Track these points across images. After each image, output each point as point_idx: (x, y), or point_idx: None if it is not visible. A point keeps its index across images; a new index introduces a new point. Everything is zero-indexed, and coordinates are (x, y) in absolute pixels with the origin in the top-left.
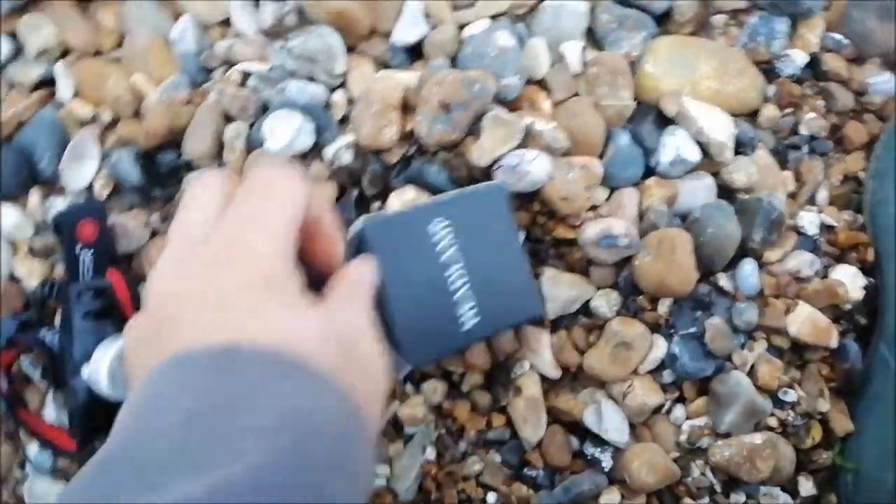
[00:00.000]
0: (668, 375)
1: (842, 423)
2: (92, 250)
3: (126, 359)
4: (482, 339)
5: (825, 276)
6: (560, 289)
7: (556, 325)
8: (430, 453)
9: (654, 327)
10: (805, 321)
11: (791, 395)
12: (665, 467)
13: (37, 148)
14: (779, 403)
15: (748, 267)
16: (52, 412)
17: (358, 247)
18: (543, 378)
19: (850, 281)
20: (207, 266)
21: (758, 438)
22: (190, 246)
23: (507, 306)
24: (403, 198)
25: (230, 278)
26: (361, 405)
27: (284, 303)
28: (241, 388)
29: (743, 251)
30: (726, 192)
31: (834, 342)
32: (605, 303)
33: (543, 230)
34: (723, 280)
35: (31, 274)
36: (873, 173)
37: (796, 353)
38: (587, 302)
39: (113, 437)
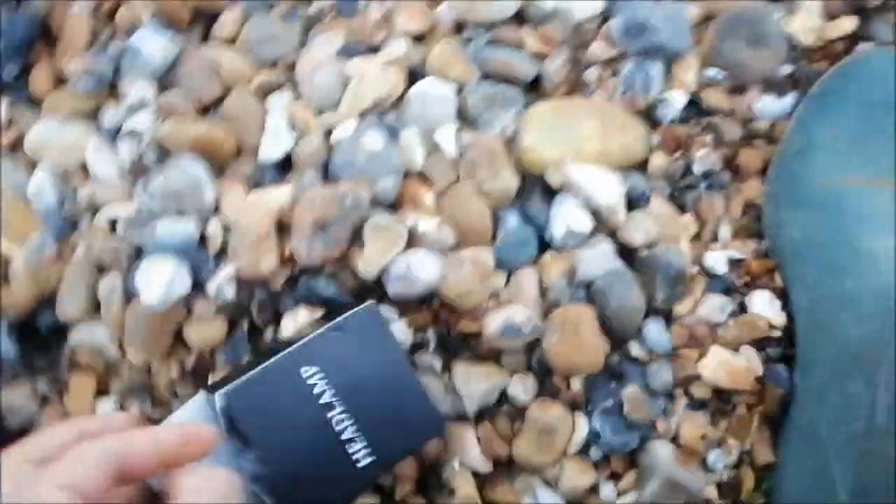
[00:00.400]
0: (595, 452)
1: (763, 454)
2: None
3: None
4: (383, 474)
5: (743, 312)
6: (474, 383)
7: (479, 419)
8: None
9: (574, 406)
10: (717, 367)
11: (718, 460)
12: None
13: None
14: (709, 466)
15: (655, 327)
16: None
17: (226, 422)
18: (476, 474)
19: (768, 307)
20: None
21: None
22: None
23: (402, 434)
24: (297, 319)
25: None
26: None
27: None
28: None
29: (652, 310)
30: (627, 251)
31: (747, 383)
32: (522, 389)
33: (447, 326)
34: (634, 348)
35: None
36: (768, 197)
37: (722, 400)
38: (505, 390)
39: None
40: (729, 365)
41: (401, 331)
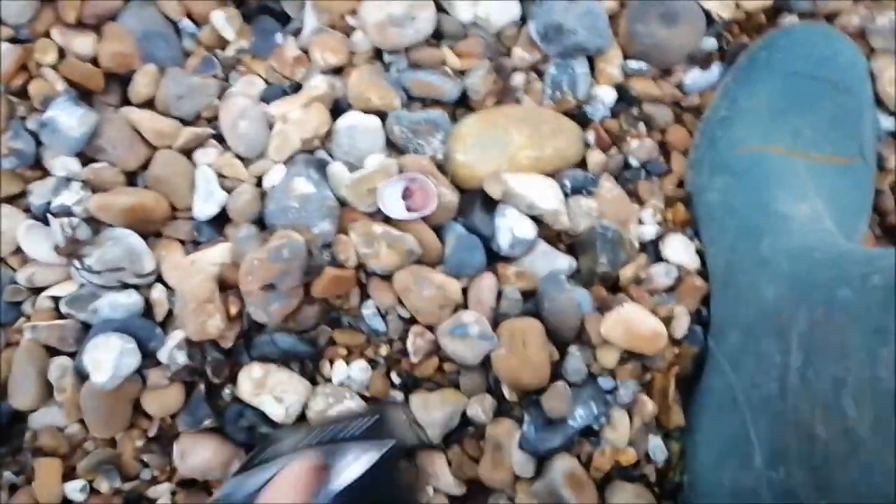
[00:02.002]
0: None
1: (674, 417)
2: None
3: None
4: None
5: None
6: (433, 410)
7: (449, 443)
8: None
9: (520, 419)
10: (624, 331)
11: (658, 451)
12: None
13: None
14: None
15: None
16: None
17: None
18: (452, 498)
19: (682, 252)
20: None
21: None
22: None
23: None
24: (252, 375)
25: None
26: None
27: None
28: None
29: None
30: (572, 246)
31: (655, 347)
32: (481, 409)
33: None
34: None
35: None
36: (690, 163)
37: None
38: (465, 414)
39: None
40: (634, 327)
41: (361, 369)
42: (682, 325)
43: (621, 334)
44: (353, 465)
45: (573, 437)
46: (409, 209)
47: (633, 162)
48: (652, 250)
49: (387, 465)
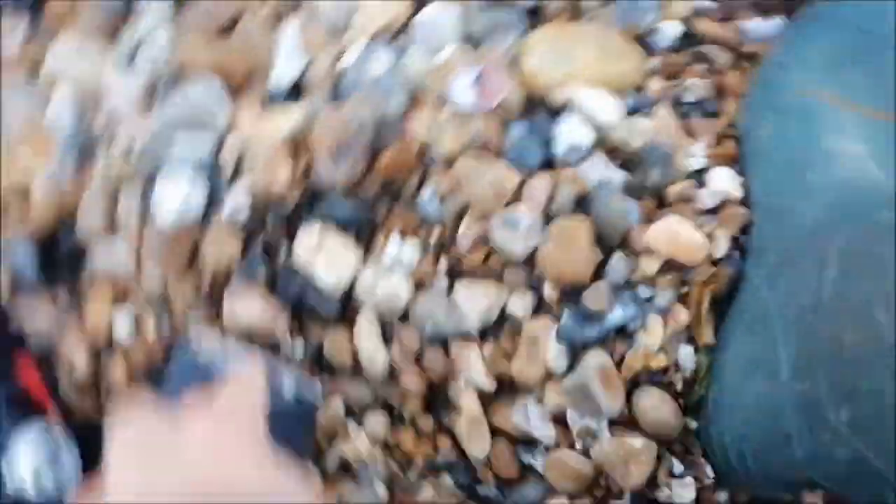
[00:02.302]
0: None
1: (704, 334)
2: None
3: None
4: None
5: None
6: (476, 299)
7: (484, 338)
8: (381, 490)
9: (558, 318)
10: (668, 239)
11: (688, 358)
12: (577, 472)
13: None
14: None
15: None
16: None
17: None
18: (482, 393)
19: (727, 181)
20: None
21: (638, 442)
22: None
23: None
24: (311, 237)
25: None
26: None
27: None
28: None
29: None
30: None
31: (696, 258)
32: (521, 305)
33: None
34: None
35: None
36: (744, 105)
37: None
38: (505, 309)
39: None
40: (680, 236)
41: (413, 250)
42: (721, 247)
43: (665, 243)
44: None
45: (609, 333)
46: (478, 99)
47: (689, 97)
48: (698, 180)
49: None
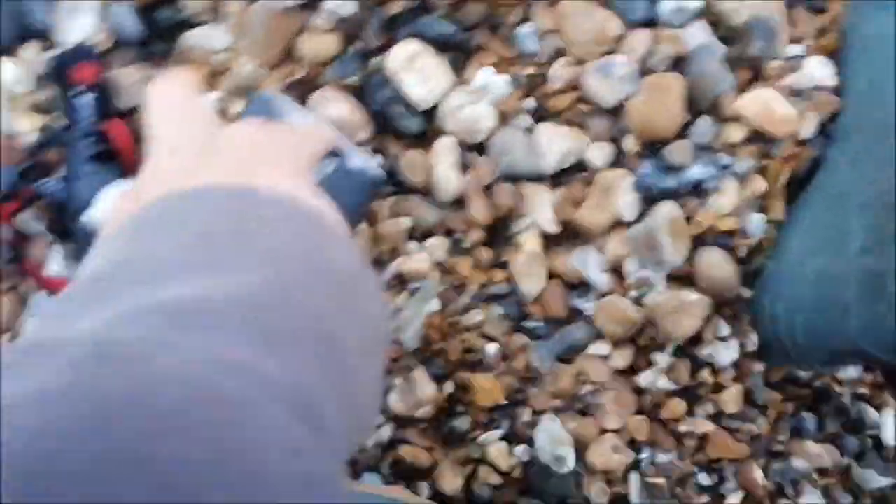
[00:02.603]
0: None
1: (776, 209)
2: (91, 94)
3: (127, 196)
4: None
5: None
6: (557, 142)
7: (555, 182)
8: (435, 305)
9: (633, 171)
10: (760, 108)
11: (758, 226)
12: (627, 318)
13: None
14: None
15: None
16: (56, 266)
17: None
18: (544, 234)
19: (820, 69)
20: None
21: (693, 296)
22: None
23: None
24: (407, 50)
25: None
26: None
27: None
28: (256, 220)
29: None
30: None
31: (784, 130)
32: (600, 154)
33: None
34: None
35: (32, 129)
36: (852, 6)
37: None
38: (583, 156)
39: (99, 258)
40: (772, 106)
41: (503, 82)
42: (809, 127)
43: (756, 111)
44: (359, 156)
45: (686, 187)
46: None
47: None
48: (794, 64)
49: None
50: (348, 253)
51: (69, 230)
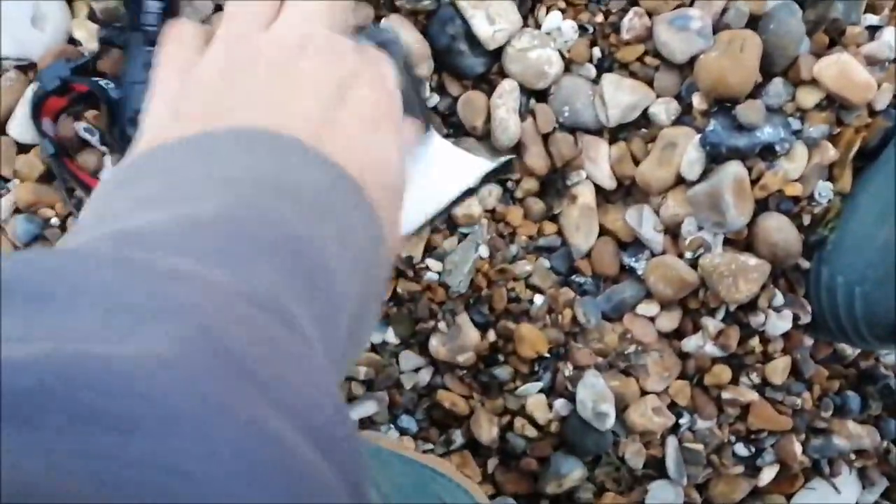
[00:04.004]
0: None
1: (844, 179)
2: (160, 2)
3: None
4: None
5: None
6: (621, 94)
7: (615, 136)
8: (483, 251)
9: (700, 130)
10: (838, 73)
11: (824, 192)
12: (680, 279)
13: None
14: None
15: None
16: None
17: None
18: (599, 189)
19: (892, 38)
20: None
21: (752, 261)
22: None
23: None
24: None
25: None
26: (373, 198)
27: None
28: (237, 154)
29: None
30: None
31: (862, 96)
32: (664, 110)
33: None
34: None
35: (91, 38)
36: None
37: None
38: (646, 111)
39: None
40: (850, 72)
41: (572, 28)
42: (884, 99)
43: (834, 75)
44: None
45: (755, 147)
46: None
47: None
48: (873, 34)
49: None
50: (323, 173)
51: (118, 134)
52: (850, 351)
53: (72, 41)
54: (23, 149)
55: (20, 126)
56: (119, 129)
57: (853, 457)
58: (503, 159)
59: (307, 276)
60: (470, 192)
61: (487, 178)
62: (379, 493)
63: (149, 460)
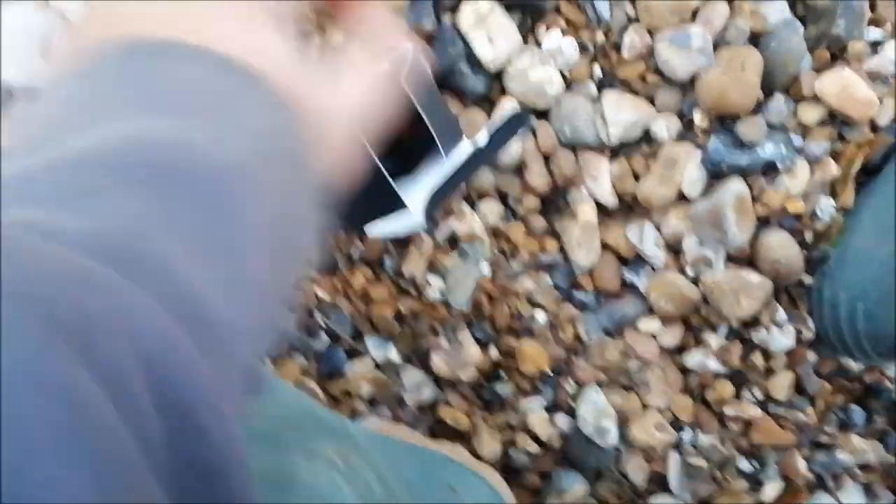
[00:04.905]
0: (698, 181)
1: (846, 195)
2: None
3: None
4: None
5: None
6: (622, 111)
7: (616, 154)
8: (485, 269)
9: (701, 147)
10: (840, 89)
11: (827, 208)
12: (682, 295)
13: None
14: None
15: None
16: None
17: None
18: (600, 207)
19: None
20: None
21: (754, 277)
22: None
23: None
24: (478, 8)
25: None
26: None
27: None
28: (171, 71)
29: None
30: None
31: (864, 113)
32: (666, 127)
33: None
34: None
35: None
36: None
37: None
38: (648, 129)
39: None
40: (853, 89)
41: (572, 47)
42: (886, 115)
43: (836, 92)
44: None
45: (757, 164)
46: None
47: None
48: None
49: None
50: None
51: None
52: (854, 365)
53: None
54: None
55: None
56: None
57: (858, 471)
58: (509, 114)
59: (195, 201)
60: (482, 156)
61: (501, 139)
62: (385, 487)
63: None
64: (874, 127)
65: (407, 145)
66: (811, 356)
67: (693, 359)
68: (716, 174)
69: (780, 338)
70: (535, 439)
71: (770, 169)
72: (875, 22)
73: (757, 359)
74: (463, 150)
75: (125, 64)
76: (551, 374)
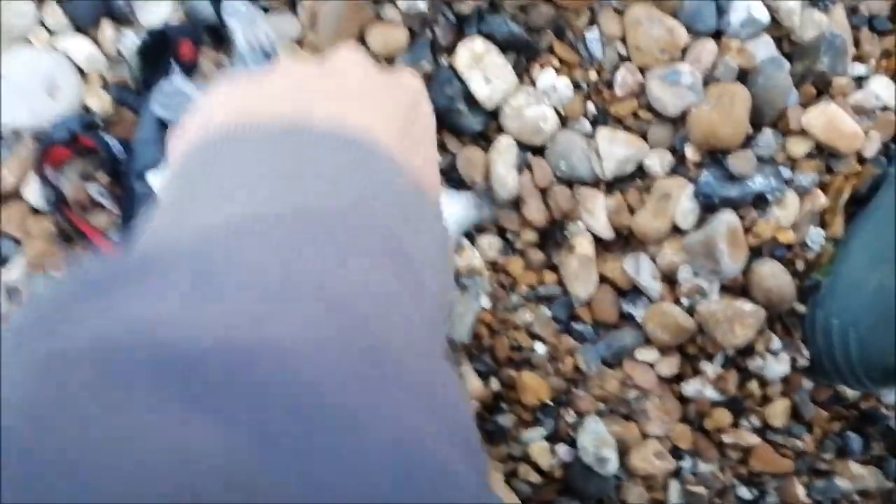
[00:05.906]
0: (691, 213)
1: (836, 226)
2: (186, 71)
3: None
4: None
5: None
6: (616, 147)
7: (611, 188)
8: (485, 301)
9: (693, 181)
10: (826, 123)
11: (817, 238)
12: (678, 325)
13: None
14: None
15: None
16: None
17: None
18: (597, 239)
19: (884, 90)
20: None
21: (748, 306)
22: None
23: None
24: (473, 49)
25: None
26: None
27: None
28: (309, 156)
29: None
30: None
31: (850, 146)
32: (659, 162)
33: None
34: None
35: (103, 106)
36: None
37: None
38: (641, 163)
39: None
40: (838, 122)
41: (566, 86)
42: (872, 147)
43: (822, 125)
44: None
45: (747, 197)
46: None
47: (864, 11)
48: (859, 84)
49: None
50: (402, 183)
51: (127, 190)
52: (850, 392)
53: (85, 110)
54: (37, 213)
55: (35, 193)
56: (127, 186)
57: (857, 497)
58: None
59: (412, 275)
60: None
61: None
62: None
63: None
64: (861, 158)
65: None
66: (807, 383)
67: (690, 387)
68: (708, 207)
69: (776, 365)
70: (537, 469)
71: (760, 201)
72: (859, 58)
73: (753, 387)
74: None
75: (278, 142)
76: (552, 405)
